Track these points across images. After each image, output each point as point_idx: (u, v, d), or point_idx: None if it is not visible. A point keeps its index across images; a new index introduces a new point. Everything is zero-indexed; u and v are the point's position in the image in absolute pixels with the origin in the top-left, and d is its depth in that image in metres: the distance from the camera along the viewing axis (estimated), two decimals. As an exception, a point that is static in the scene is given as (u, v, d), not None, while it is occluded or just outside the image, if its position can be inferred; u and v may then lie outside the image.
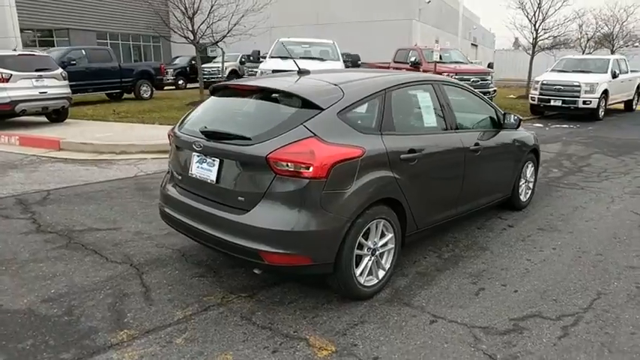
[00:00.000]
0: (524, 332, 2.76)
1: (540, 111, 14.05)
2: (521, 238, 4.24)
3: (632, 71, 15.40)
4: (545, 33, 19.79)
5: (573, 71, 14.06)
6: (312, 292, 3.20)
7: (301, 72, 3.50)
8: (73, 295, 3.13)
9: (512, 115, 4.41)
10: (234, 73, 21.64)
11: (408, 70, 14.51)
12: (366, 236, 3.00)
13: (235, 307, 3.02)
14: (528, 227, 4.53)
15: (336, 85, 3.12)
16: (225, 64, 20.55)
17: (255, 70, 14.30)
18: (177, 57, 24.34)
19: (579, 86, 13.00)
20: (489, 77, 14.50)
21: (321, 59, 11.19)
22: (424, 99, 3.65)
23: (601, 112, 13.32)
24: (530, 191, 5.16)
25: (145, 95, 15.65)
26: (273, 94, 3.12)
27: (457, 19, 40.96)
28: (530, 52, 20.25)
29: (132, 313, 2.93)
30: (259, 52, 13.34)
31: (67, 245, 3.96)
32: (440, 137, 3.64)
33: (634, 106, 15.89)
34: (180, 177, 3.31)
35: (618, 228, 4.51)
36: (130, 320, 2.84)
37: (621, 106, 15.56)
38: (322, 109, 2.87)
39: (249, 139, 2.83)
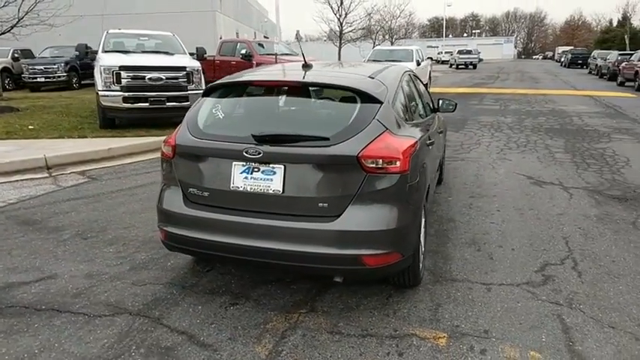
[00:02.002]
0: (555, 279, 3.30)
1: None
2: (468, 206, 4.89)
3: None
4: (349, 26, 22.17)
5: (386, 60, 16.19)
6: (360, 291, 3.13)
7: (306, 65, 3.28)
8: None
9: (447, 101, 4.98)
10: (7, 72, 17.60)
11: (238, 63, 14.44)
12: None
13: (311, 325, 2.77)
14: (462, 197, 5.23)
15: (372, 77, 3.07)
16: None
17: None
18: (46, 48, 18.23)
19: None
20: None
21: (168, 53, 10.03)
22: (413, 89, 3.87)
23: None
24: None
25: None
26: (321, 90, 2.89)
27: (251, 12, 42.05)
28: (338, 43, 22.43)
29: (206, 366, 2.40)
30: (86, 45, 11.32)
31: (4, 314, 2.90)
32: (430, 123, 3.92)
33: (428, 89, 19.18)
34: (208, 193, 2.78)
35: (521, 187, 5.59)
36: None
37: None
38: (382, 103, 2.81)
39: (327, 139, 2.59)
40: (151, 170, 6.27)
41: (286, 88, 3.00)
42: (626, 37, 38.21)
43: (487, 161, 6.90)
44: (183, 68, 8.65)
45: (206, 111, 2.98)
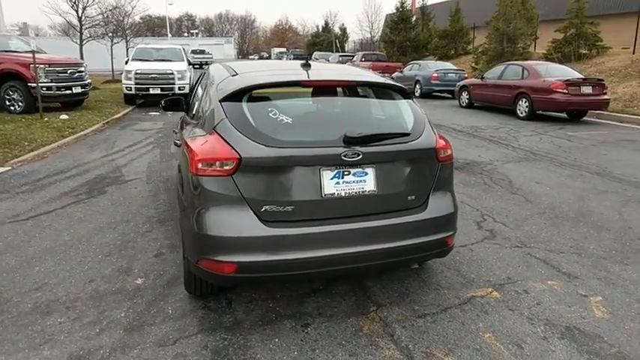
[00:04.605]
0: (496, 232, 4.24)
1: (133, 101, 14.33)
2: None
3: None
4: (92, 21, 19.49)
5: (155, 60, 15.18)
6: (396, 279, 3.35)
7: (306, 65, 3.19)
8: None
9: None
10: None
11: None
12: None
13: (394, 317, 2.85)
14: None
15: (382, 74, 3.25)
16: None
17: None
18: None
19: (173, 74, 14.32)
20: (84, 68, 13.38)
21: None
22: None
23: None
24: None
25: None
26: (365, 88, 2.89)
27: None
28: (79, 40, 19.47)
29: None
30: None
31: None
32: None
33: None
34: (292, 207, 2.47)
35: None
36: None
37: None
38: (411, 98, 3.06)
39: (408, 134, 2.69)
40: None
41: (339, 88, 2.89)
42: (337, 40, 46.26)
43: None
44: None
45: (260, 116, 2.58)
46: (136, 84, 13.91)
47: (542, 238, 4.07)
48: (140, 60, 14.87)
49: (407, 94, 3.02)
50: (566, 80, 10.31)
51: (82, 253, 3.74)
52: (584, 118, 11.33)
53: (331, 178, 2.52)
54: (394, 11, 29.74)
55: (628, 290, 3.19)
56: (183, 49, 16.84)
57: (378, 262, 2.69)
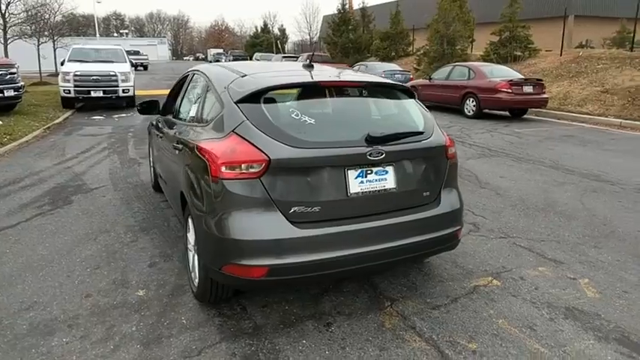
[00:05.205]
0: (479, 225, 4.46)
1: (72, 104, 13.49)
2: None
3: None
4: (16, 19, 18.08)
5: (95, 61, 14.34)
6: (401, 273, 3.45)
7: (309, 66, 3.20)
8: None
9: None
10: None
11: None
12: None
13: (410, 309, 2.93)
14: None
15: (385, 77, 3.32)
16: None
17: None
18: None
19: (116, 75, 13.61)
20: (16, 70, 12.36)
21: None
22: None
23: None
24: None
25: None
26: (376, 88, 2.96)
27: None
28: (2, 39, 17.99)
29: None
30: None
31: None
32: None
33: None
34: (319, 207, 2.48)
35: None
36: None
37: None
38: (415, 97, 3.17)
39: (422, 132, 2.78)
40: None
41: (348, 88, 2.91)
42: (278, 41, 46.06)
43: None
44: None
45: (282, 118, 2.55)
46: (76, 86, 13.06)
47: (521, 229, 4.34)
48: (78, 61, 13.96)
49: (412, 94, 3.12)
50: (510, 80, 11.02)
51: (67, 268, 3.49)
52: (525, 115, 12.15)
53: (356, 178, 2.56)
54: (335, 12, 30.21)
55: (608, 271, 3.49)
56: (124, 49, 16.07)
57: (400, 258, 2.76)
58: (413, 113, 3.00)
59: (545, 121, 11.56)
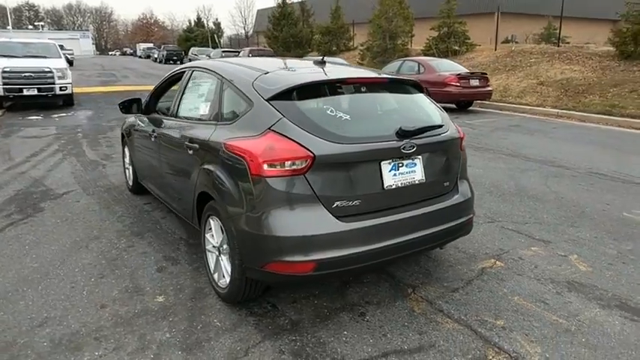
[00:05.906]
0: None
1: (1, 104, 12.41)
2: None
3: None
4: None
5: (25, 56, 13.25)
6: (412, 262, 3.60)
7: (322, 62, 3.23)
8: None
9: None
10: None
11: None
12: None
13: (432, 294, 3.08)
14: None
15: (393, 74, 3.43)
16: None
17: None
18: None
19: (52, 72, 12.68)
20: None
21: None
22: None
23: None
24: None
25: None
26: (395, 84, 3.06)
27: None
28: None
29: None
30: None
31: None
32: None
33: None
34: (359, 201, 2.54)
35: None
36: None
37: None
38: (424, 92, 3.31)
39: (441, 126, 2.92)
40: None
41: (375, 84, 2.99)
42: (215, 36, 44.75)
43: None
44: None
45: (318, 114, 2.57)
46: (5, 84, 11.99)
47: (504, 213, 4.66)
48: (4, 56, 12.83)
49: (422, 89, 3.26)
50: (458, 74, 11.61)
51: (68, 278, 3.29)
52: (470, 107, 12.86)
53: (389, 171, 2.65)
54: (273, 6, 29.99)
55: (590, 247, 3.86)
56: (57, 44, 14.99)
57: (430, 245, 2.91)
58: (428, 107, 3.13)
59: (491, 113, 12.32)
